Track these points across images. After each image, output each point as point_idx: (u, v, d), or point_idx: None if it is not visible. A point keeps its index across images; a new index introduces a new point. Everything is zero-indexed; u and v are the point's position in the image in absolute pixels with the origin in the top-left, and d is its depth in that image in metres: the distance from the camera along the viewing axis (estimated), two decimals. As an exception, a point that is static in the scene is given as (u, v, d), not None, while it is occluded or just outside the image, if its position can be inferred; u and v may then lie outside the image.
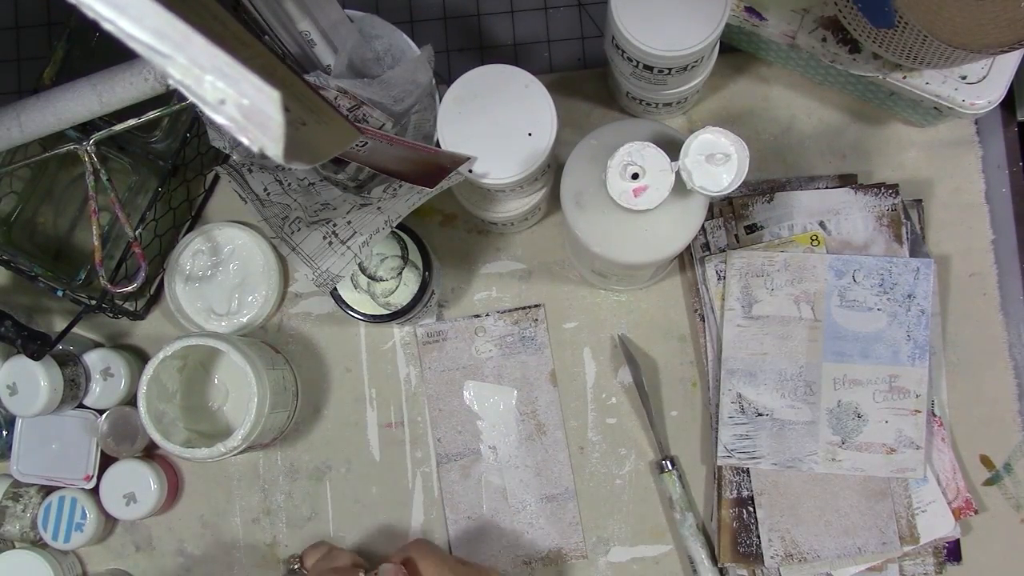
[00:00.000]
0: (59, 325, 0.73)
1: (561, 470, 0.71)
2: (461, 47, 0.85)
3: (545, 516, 0.71)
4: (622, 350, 0.71)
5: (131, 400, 0.71)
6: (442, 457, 0.72)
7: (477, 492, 0.72)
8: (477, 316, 0.73)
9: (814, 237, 0.69)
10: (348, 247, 0.59)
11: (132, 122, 0.63)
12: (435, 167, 0.57)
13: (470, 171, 0.58)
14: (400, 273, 0.66)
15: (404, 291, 0.66)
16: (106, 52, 0.66)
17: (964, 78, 0.62)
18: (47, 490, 0.72)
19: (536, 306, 0.73)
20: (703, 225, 0.63)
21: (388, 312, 0.66)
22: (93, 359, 0.71)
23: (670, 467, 0.69)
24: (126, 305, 0.71)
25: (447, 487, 0.72)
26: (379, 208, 0.59)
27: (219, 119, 0.28)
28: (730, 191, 0.49)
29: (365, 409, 0.74)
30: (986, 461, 0.70)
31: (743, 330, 0.68)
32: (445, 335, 0.73)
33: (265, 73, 0.28)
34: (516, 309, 0.73)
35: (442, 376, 0.73)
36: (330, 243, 0.59)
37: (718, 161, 0.49)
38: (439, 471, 0.72)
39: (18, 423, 0.71)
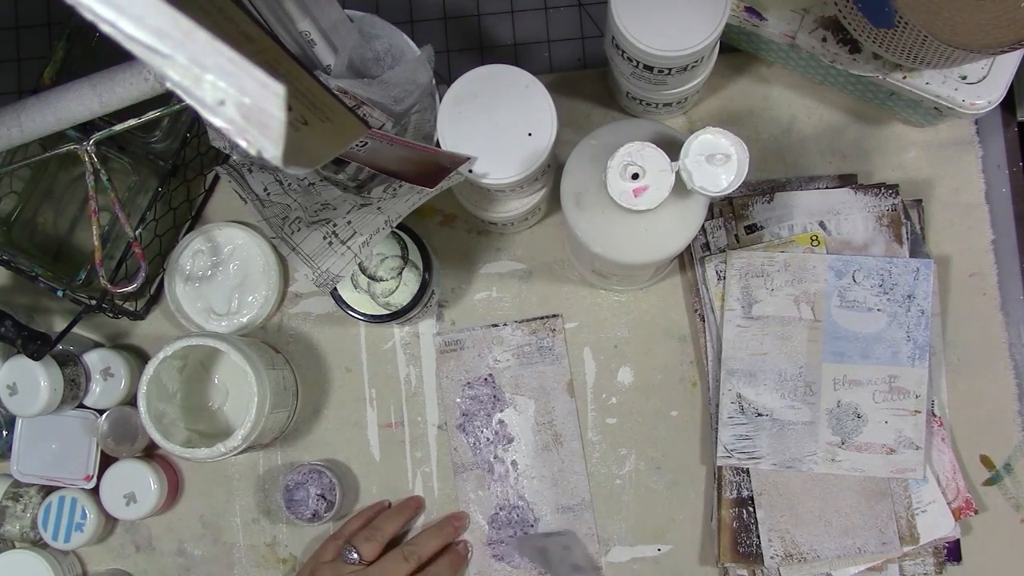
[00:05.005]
0: (59, 325, 0.73)
1: (578, 480, 0.71)
2: (461, 47, 0.85)
3: (560, 527, 0.71)
4: None
5: (131, 400, 0.71)
6: (458, 467, 0.72)
7: (491, 502, 0.71)
8: (495, 325, 0.72)
9: (814, 237, 0.69)
10: (348, 247, 0.59)
11: (132, 122, 0.63)
12: (435, 167, 0.56)
13: (470, 171, 0.58)
14: (400, 273, 0.66)
15: (404, 291, 0.66)
16: (106, 52, 0.66)
17: (964, 78, 0.62)
18: (47, 490, 0.72)
19: (554, 316, 0.72)
20: (703, 225, 0.63)
21: (388, 312, 0.66)
22: (93, 359, 0.71)
23: None
24: (126, 305, 0.71)
25: (463, 496, 0.71)
26: (379, 208, 0.59)
27: (217, 122, 0.28)
28: (730, 191, 0.49)
29: (365, 409, 0.74)
30: (986, 461, 0.70)
31: (743, 330, 0.68)
32: (462, 344, 0.73)
33: (269, 68, 0.28)
34: (534, 319, 0.72)
35: (459, 387, 0.72)
36: (330, 243, 0.59)
37: (718, 161, 0.49)
38: (455, 480, 0.72)
39: (18, 423, 0.71)
